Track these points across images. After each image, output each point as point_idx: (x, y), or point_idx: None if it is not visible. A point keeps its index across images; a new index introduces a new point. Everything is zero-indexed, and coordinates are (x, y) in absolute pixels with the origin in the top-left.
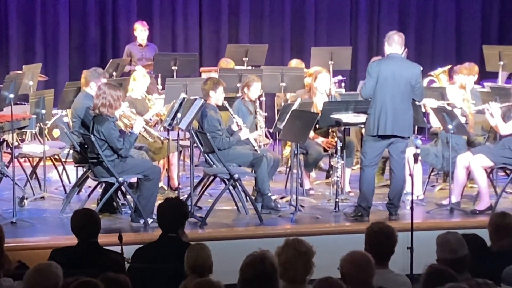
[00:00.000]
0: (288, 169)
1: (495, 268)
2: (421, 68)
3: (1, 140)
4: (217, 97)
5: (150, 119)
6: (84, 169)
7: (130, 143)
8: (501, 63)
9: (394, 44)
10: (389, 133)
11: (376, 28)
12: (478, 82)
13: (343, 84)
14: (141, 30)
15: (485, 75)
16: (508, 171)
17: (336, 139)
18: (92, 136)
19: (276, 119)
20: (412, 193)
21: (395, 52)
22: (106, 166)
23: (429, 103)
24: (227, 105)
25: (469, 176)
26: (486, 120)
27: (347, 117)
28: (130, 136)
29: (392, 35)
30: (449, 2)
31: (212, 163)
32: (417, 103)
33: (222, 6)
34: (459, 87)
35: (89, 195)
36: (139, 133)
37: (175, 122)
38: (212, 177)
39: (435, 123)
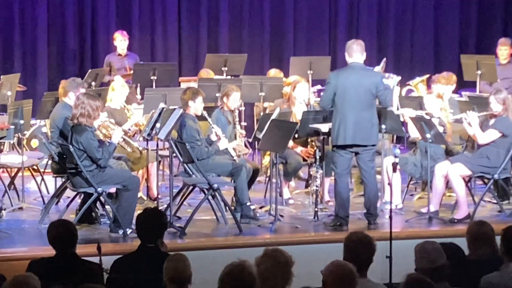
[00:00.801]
0: (267, 179)
1: (473, 277)
2: (399, 78)
3: None
4: (196, 107)
5: (129, 129)
6: (63, 180)
7: (109, 153)
8: (479, 72)
9: (354, 53)
10: (349, 142)
11: (355, 37)
12: (456, 91)
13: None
14: (121, 40)
15: (463, 84)
16: (486, 180)
17: (315, 148)
18: (71, 146)
19: (255, 128)
20: (391, 202)
21: (356, 62)
22: (84, 176)
23: (407, 113)
24: (206, 115)
25: (448, 185)
26: (464, 129)
27: (326, 127)
28: (109, 146)
29: (351, 44)
30: (427, 12)
31: (191, 173)
32: (396, 112)
33: (201, 15)
34: (436, 97)
35: (67, 206)
36: (118, 143)
37: (154, 132)
38: (191, 187)
39: (413, 132)
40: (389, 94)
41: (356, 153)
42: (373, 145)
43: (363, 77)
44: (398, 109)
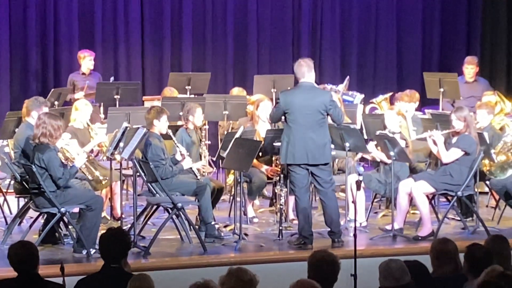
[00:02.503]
0: (231, 197)
1: None
2: (362, 95)
3: None
4: (160, 125)
5: (91, 152)
6: (26, 200)
7: (70, 174)
8: (441, 90)
9: (303, 73)
10: (298, 162)
11: (318, 56)
12: (419, 109)
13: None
14: (90, 59)
15: (426, 102)
16: (449, 197)
17: (279, 166)
18: (33, 166)
19: (219, 147)
20: (355, 220)
21: (306, 81)
22: (47, 196)
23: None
24: (171, 133)
25: (411, 203)
26: (427, 147)
27: None
28: (71, 168)
29: (298, 65)
30: (390, 31)
31: (155, 192)
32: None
33: (165, 34)
34: (397, 113)
35: (30, 226)
36: (80, 168)
37: (117, 151)
38: (155, 206)
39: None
40: (340, 110)
41: (311, 173)
42: (326, 164)
43: (312, 96)
44: (361, 126)
